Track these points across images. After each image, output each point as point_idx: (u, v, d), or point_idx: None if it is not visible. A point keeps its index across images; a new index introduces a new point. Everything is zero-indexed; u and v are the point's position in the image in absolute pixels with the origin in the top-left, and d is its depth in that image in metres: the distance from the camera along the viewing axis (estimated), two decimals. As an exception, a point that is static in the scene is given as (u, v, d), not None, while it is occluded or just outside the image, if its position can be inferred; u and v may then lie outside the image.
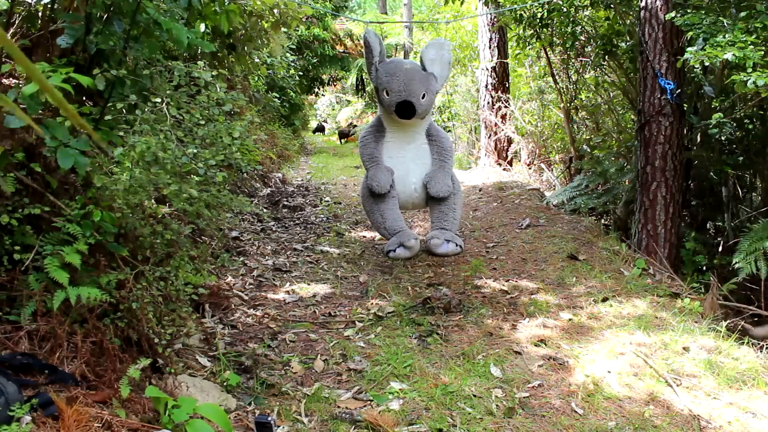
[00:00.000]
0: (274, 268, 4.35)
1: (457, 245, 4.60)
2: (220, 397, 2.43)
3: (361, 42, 14.50)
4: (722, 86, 4.85)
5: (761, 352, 3.02)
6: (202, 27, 3.41)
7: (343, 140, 17.68)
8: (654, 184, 4.77)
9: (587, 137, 7.95)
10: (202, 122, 2.59)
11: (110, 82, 2.41)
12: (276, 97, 10.35)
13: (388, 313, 3.53)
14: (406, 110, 4.30)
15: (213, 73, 2.68)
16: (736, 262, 3.93)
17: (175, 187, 2.38)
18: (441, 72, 4.55)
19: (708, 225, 5.96)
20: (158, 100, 2.51)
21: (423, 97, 4.35)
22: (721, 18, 3.96)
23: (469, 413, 2.44)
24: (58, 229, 2.24)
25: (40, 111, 2.22)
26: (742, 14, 3.95)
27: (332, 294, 3.89)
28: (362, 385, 2.68)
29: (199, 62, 2.71)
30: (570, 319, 3.39)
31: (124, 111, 2.49)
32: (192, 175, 2.54)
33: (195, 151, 2.51)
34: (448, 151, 4.71)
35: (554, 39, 6.86)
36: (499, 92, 8.59)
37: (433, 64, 4.50)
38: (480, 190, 7.15)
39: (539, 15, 6.58)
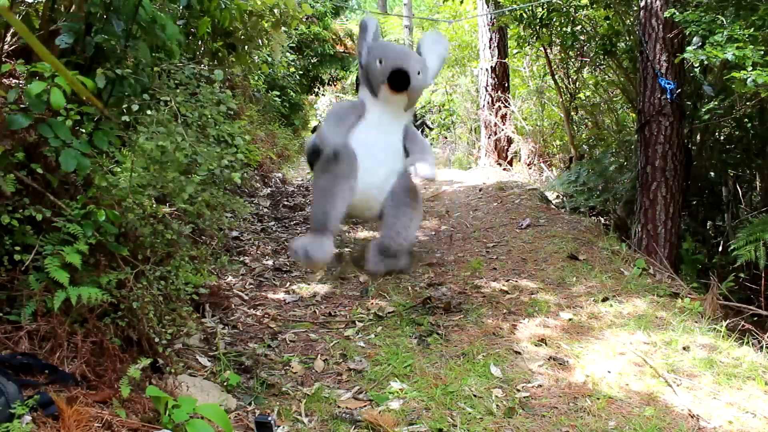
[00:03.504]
0: (274, 268, 4.34)
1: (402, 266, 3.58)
2: (220, 397, 2.43)
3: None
4: (722, 85, 4.85)
5: (761, 351, 3.02)
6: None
7: None
8: (654, 184, 4.77)
9: (587, 136, 7.96)
10: (211, 120, 2.59)
11: (110, 80, 2.41)
12: (276, 96, 10.33)
13: (388, 313, 3.53)
14: (400, 79, 3.67)
15: (219, 72, 2.68)
16: (733, 249, 3.92)
17: (191, 189, 2.38)
18: (434, 64, 4.33)
19: (708, 225, 5.97)
20: (167, 98, 2.51)
21: (418, 74, 3.80)
22: (719, 16, 3.97)
23: (469, 413, 2.44)
24: (58, 229, 2.24)
25: (41, 112, 2.22)
26: (742, 12, 3.95)
27: (332, 294, 3.89)
28: (362, 385, 2.68)
29: (204, 60, 2.71)
30: (570, 319, 3.39)
31: (126, 111, 2.49)
32: (193, 175, 2.54)
33: (207, 150, 2.51)
34: (429, 148, 4.34)
35: (554, 39, 6.86)
36: (499, 92, 8.58)
37: (428, 56, 4.32)
38: (480, 190, 7.14)
39: (539, 15, 6.58)
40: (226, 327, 3.22)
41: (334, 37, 13.99)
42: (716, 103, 4.83)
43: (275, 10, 4.90)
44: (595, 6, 6.04)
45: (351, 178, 3.60)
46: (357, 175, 3.62)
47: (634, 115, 5.98)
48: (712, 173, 5.66)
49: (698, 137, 5.56)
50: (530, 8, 6.53)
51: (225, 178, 2.59)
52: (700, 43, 3.91)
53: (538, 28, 6.72)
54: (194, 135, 2.53)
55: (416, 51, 4.32)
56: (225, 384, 2.56)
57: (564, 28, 6.42)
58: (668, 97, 4.61)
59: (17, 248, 2.16)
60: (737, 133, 5.43)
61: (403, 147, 4.00)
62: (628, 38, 5.93)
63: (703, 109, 4.63)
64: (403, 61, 3.89)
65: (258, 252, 4.72)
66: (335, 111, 3.89)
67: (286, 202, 6.76)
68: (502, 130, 8.60)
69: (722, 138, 5.69)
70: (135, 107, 2.42)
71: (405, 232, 3.63)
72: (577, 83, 7.76)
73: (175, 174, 2.40)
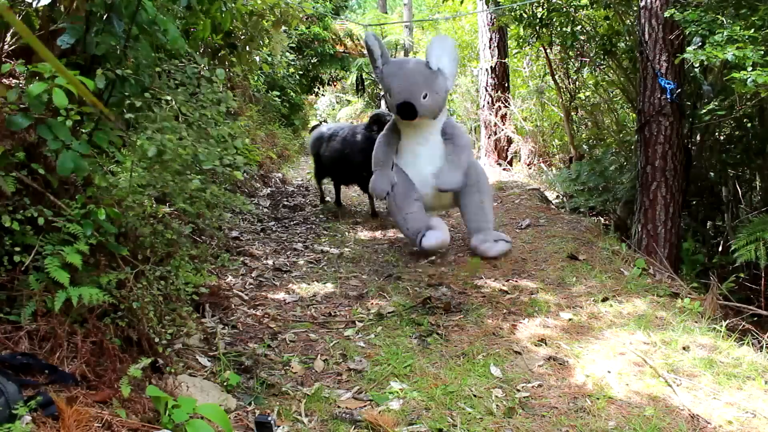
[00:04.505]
0: (274, 268, 4.35)
1: (506, 242, 4.48)
2: (220, 397, 2.43)
3: (362, 42, 14.44)
4: (722, 85, 4.85)
5: (761, 351, 3.02)
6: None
7: None
8: (654, 184, 4.77)
9: (587, 136, 7.96)
10: (212, 120, 2.59)
11: (111, 81, 2.41)
12: (276, 96, 10.33)
13: (388, 313, 3.53)
14: (406, 111, 4.23)
15: (221, 71, 2.69)
16: (734, 250, 3.92)
17: (193, 185, 2.39)
18: (449, 67, 4.38)
19: (708, 225, 5.97)
20: (168, 98, 2.51)
21: (425, 98, 4.22)
22: (719, 17, 3.97)
23: (469, 413, 2.44)
24: (58, 229, 2.24)
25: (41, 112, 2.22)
26: (742, 11, 3.95)
27: (332, 294, 3.89)
28: (362, 385, 2.68)
29: (200, 60, 2.72)
30: (570, 319, 3.39)
31: (126, 110, 2.49)
32: (192, 174, 2.54)
33: (210, 148, 2.52)
34: (461, 147, 4.52)
35: (554, 39, 6.86)
36: (499, 92, 8.59)
37: (440, 60, 4.34)
38: (480, 190, 7.13)
39: (539, 15, 6.58)
40: (226, 327, 3.22)
41: (334, 37, 13.99)
42: (716, 103, 4.83)
43: (276, 10, 4.90)
44: (595, 6, 6.04)
45: (411, 193, 4.49)
46: (416, 187, 4.51)
47: (634, 115, 5.98)
48: (712, 173, 5.67)
49: (698, 137, 5.57)
50: (530, 8, 6.54)
51: (226, 178, 2.59)
52: (701, 43, 3.92)
53: (538, 28, 6.73)
54: (195, 134, 2.54)
55: (426, 59, 4.38)
56: (225, 384, 2.56)
57: (564, 28, 6.43)
58: (668, 97, 4.61)
59: (17, 249, 2.16)
60: (737, 133, 5.44)
61: (445, 144, 4.57)
62: (628, 38, 5.93)
63: (704, 110, 4.62)
64: (408, 93, 4.26)
65: (258, 252, 4.72)
66: (378, 153, 4.65)
67: (286, 202, 6.76)
68: (502, 130, 8.61)
69: (722, 138, 5.69)
70: (138, 104, 2.41)
71: (484, 212, 4.48)
72: (577, 83, 7.77)
73: (176, 169, 2.40)
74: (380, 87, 4.67)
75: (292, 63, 11.71)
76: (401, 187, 4.51)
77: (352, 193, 7.49)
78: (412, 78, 4.29)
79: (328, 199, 6.89)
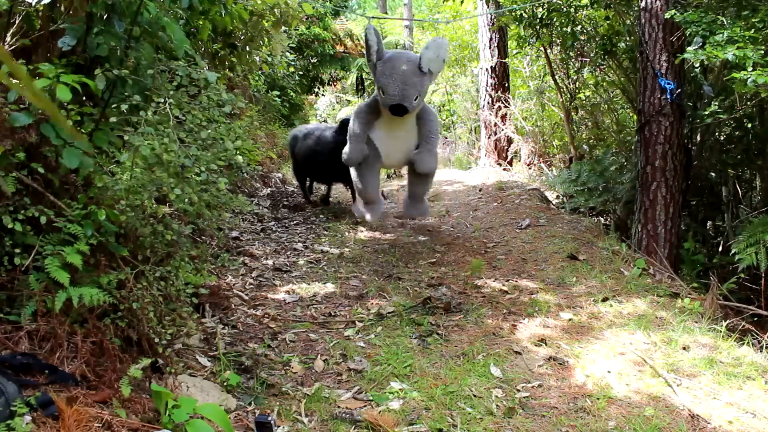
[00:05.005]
0: (274, 268, 4.35)
1: (422, 213, 5.46)
2: (220, 397, 2.43)
3: (362, 42, 14.44)
4: (722, 85, 4.85)
5: (761, 351, 3.02)
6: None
7: None
8: (654, 184, 4.77)
9: (587, 136, 7.96)
10: (204, 123, 2.59)
11: (111, 82, 2.41)
12: (276, 96, 10.33)
13: (388, 313, 3.53)
14: (399, 111, 4.58)
15: (217, 75, 2.68)
16: (735, 253, 3.92)
17: (179, 191, 2.39)
18: (436, 68, 4.76)
19: (708, 225, 5.97)
20: (161, 100, 2.51)
21: (415, 99, 4.57)
22: (720, 17, 3.97)
23: (469, 413, 2.44)
24: (58, 229, 2.24)
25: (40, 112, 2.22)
26: (745, 13, 3.95)
27: (332, 294, 3.89)
28: (362, 385, 2.68)
29: (201, 62, 2.71)
30: (570, 319, 3.39)
31: (125, 111, 2.48)
32: (193, 176, 2.54)
33: (198, 153, 2.51)
34: (434, 132, 5.03)
35: (554, 39, 6.86)
36: (499, 92, 8.59)
37: (431, 63, 4.63)
38: (480, 190, 7.14)
39: (539, 15, 6.58)
40: (226, 327, 3.22)
41: (334, 37, 13.99)
42: (716, 104, 4.83)
43: (276, 10, 4.90)
44: (595, 6, 6.04)
45: (376, 165, 5.08)
46: (381, 159, 5.05)
47: (634, 115, 5.98)
48: (712, 173, 5.67)
49: (698, 137, 5.56)
50: (530, 8, 6.54)
51: (210, 181, 2.58)
52: (701, 44, 3.91)
53: (538, 28, 6.73)
54: (188, 136, 2.53)
55: (419, 60, 4.55)
56: (225, 384, 2.56)
57: (564, 28, 6.43)
58: (668, 97, 4.60)
59: (17, 250, 2.16)
60: (737, 133, 5.44)
61: (417, 125, 4.98)
62: (628, 38, 5.93)
63: (706, 111, 4.62)
64: (402, 96, 4.51)
65: (258, 252, 4.72)
66: (356, 126, 5.01)
67: (286, 202, 6.76)
68: (502, 130, 8.60)
69: (722, 138, 5.69)
70: (124, 108, 2.42)
71: (425, 185, 5.22)
72: (577, 83, 7.77)
73: (163, 175, 2.40)
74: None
75: (292, 63, 11.70)
76: (370, 159, 5.01)
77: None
78: (406, 82, 4.56)
79: (314, 198, 6.98)
